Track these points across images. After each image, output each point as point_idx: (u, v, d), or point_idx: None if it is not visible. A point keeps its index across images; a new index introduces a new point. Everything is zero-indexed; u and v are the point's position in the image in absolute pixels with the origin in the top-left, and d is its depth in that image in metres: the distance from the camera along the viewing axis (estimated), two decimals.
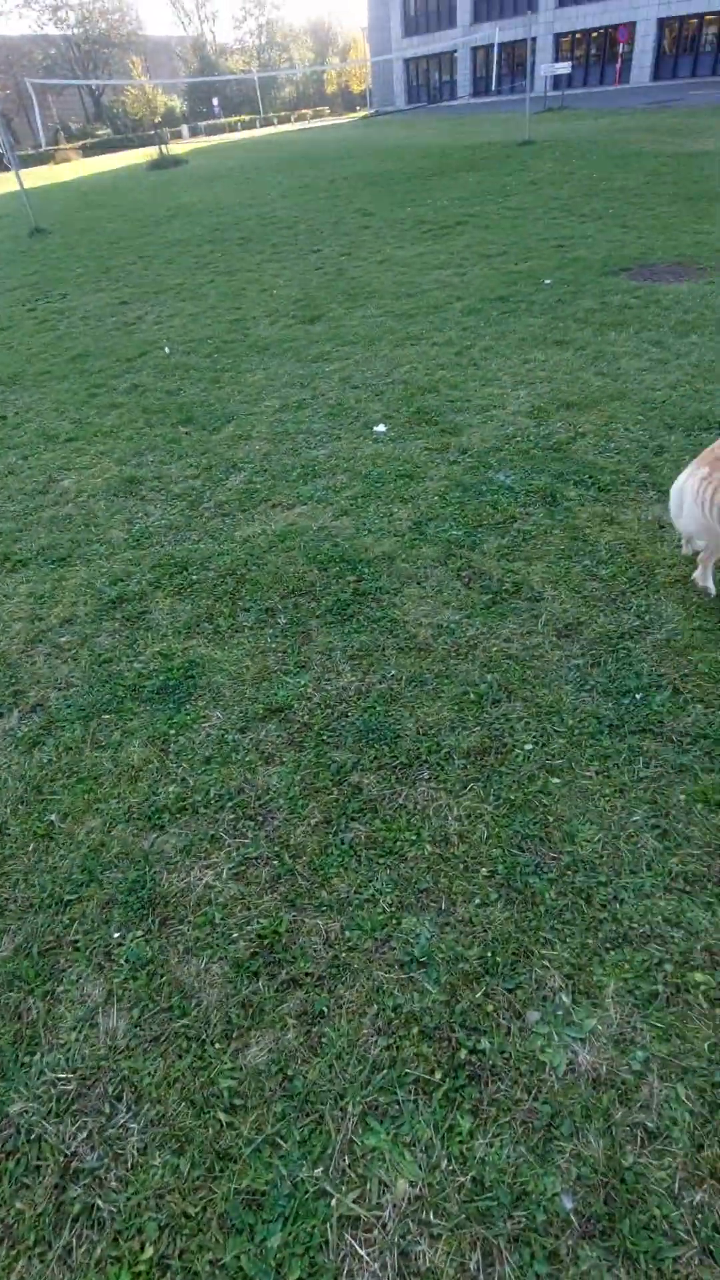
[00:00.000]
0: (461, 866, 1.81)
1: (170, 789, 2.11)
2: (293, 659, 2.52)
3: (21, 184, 14.37)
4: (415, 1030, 1.51)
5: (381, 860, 1.85)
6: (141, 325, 6.79)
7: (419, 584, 2.81)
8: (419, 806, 1.97)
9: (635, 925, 1.64)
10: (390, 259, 7.80)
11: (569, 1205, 1.27)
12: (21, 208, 15.08)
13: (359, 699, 2.33)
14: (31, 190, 14.94)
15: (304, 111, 64.41)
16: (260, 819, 2.00)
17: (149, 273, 8.93)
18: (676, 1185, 1.27)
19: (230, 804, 2.05)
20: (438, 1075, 1.44)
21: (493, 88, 38.61)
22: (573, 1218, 1.26)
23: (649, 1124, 1.35)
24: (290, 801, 2.03)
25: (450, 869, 1.81)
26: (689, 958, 1.58)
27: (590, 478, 3.32)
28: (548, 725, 2.16)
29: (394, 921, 1.71)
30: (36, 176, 14.28)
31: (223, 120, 57.22)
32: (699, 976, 1.54)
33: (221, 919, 1.76)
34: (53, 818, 2.07)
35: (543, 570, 2.79)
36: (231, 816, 2.01)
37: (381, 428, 4.06)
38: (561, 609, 2.59)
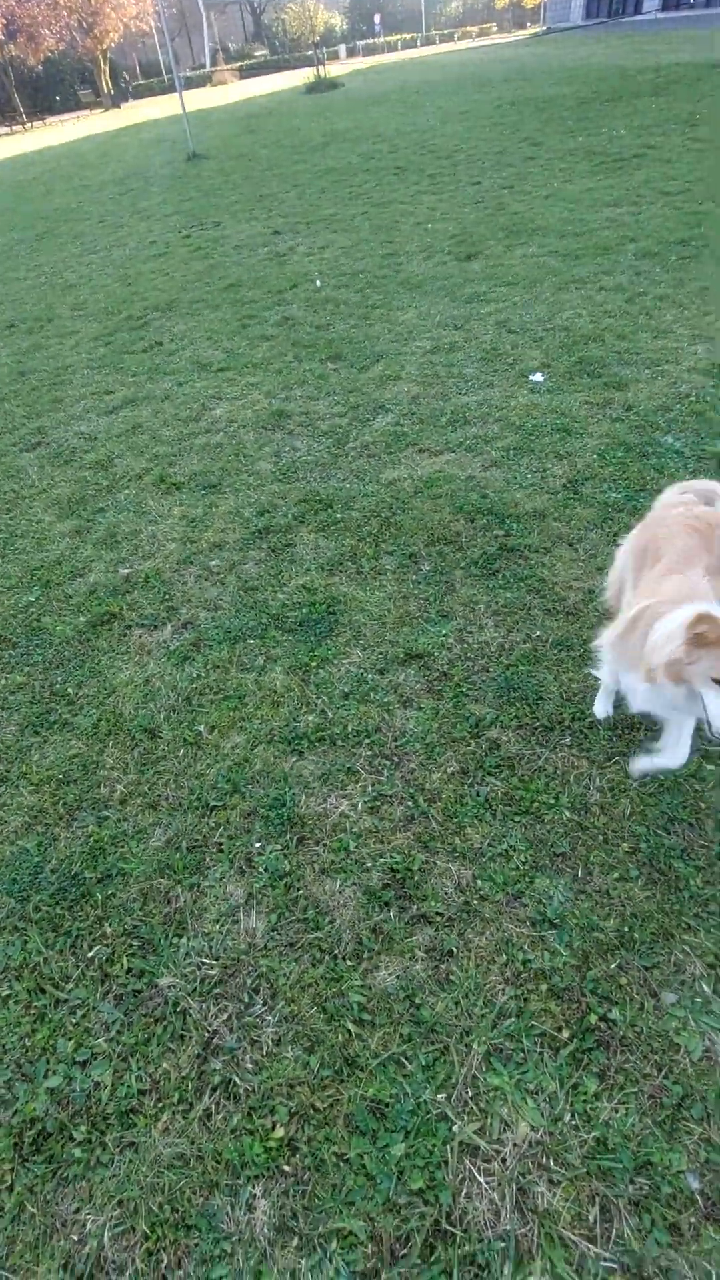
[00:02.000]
0: (601, 838, 1.77)
1: (310, 718, 2.18)
2: (434, 607, 2.51)
3: (184, 107, 14.40)
4: (544, 987, 1.52)
5: (517, 818, 1.84)
6: (293, 256, 6.73)
7: (571, 545, 2.69)
8: (559, 771, 1.93)
9: None
10: (557, 193, 7.25)
11: (695, 1185, 1.26)
12: (181, 132, 15.16)
13: (501, 655, 2.28)
14: (190, 114, 14.96)
15: (469, 29, 60.08)
16: (396, 760, 2.03)
17: (302, 202, 8.79)
18: None
19: (367, 740, 2.09)
20: (565, 1034, 1.45)
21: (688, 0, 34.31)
22: (698, 1197, 1.24)
23: None
24: (427, 747, 2.04)
25: (589, 838, 1.77)
26: None
27: None
28: None
29: (527, 879, 1.71)
30: (195, 99, 14.21)
31: (382, 39, 54.47)
32: None
33: (356, 847, 1.82)
34: (201, 729, 2.20)
35: None
36: (368, 753, 2.06)
37: (539, 376, 3.86)
38: None
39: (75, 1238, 1.29)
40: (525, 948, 1.59)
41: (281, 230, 7.71)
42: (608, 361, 3.89)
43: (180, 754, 2.14)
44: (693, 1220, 1.22)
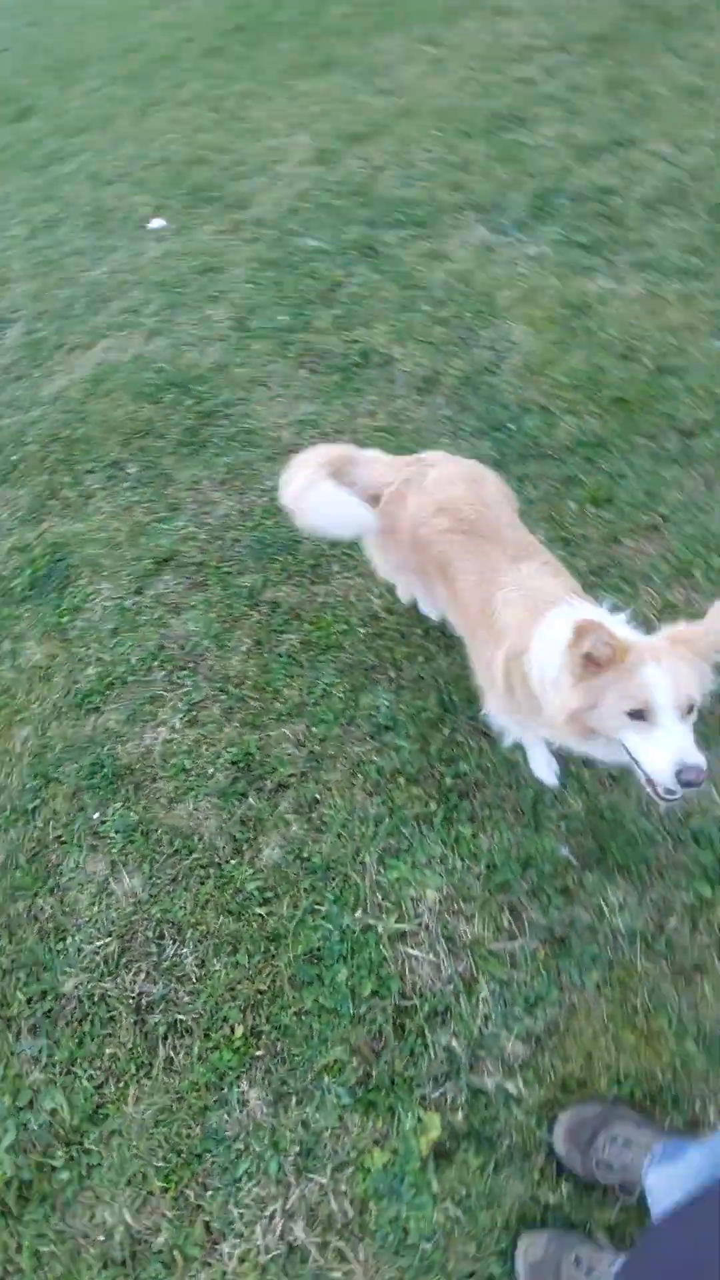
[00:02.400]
0: (399, 635, 1.87)
1: (89, 672, 2.01)
2: (160, 505, 2.34)
3: None
4: (402, 780, 1.64)
5: (322, 658, 1.88)
6: None
7: (263, 385, 2.59)
8: (341, 598, 1.98)
9: None
10: (88, 10, 6.23)
11: (565, 851, 1.50)
12: None
13: (244, 521, 2.22)
14: None
15: None
16: (192, 665, 1.96)
17: None
18: (644, 804, 1.52)
19: (155, 663, 1.98)
20: (432, 805, 1.59)
21: None
22: (572, 859, 1.49)
23: (613, 772, 1.57)
24: (215, 639, 1.99)
25: (389, 642, 1.87)
26: None
27: (403, 215, 3.03)
28: None
29: (353, 704, 1.78)
30: None
31: None
32: None
33: (192, 764, 1.77)
34: None
35: (384, 331, 2.62)
36: (162, 673, 1.96)
37: (158, 222, 3.48)
38: (414, 365, 2.48)
39: (101, 1238, 1.27)
40: (374, 759, 1.69)
41: None
42: (220, 182, 3.60)
43: None
44: (574, 878, 1.47)
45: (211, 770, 1.75)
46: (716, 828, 1.51)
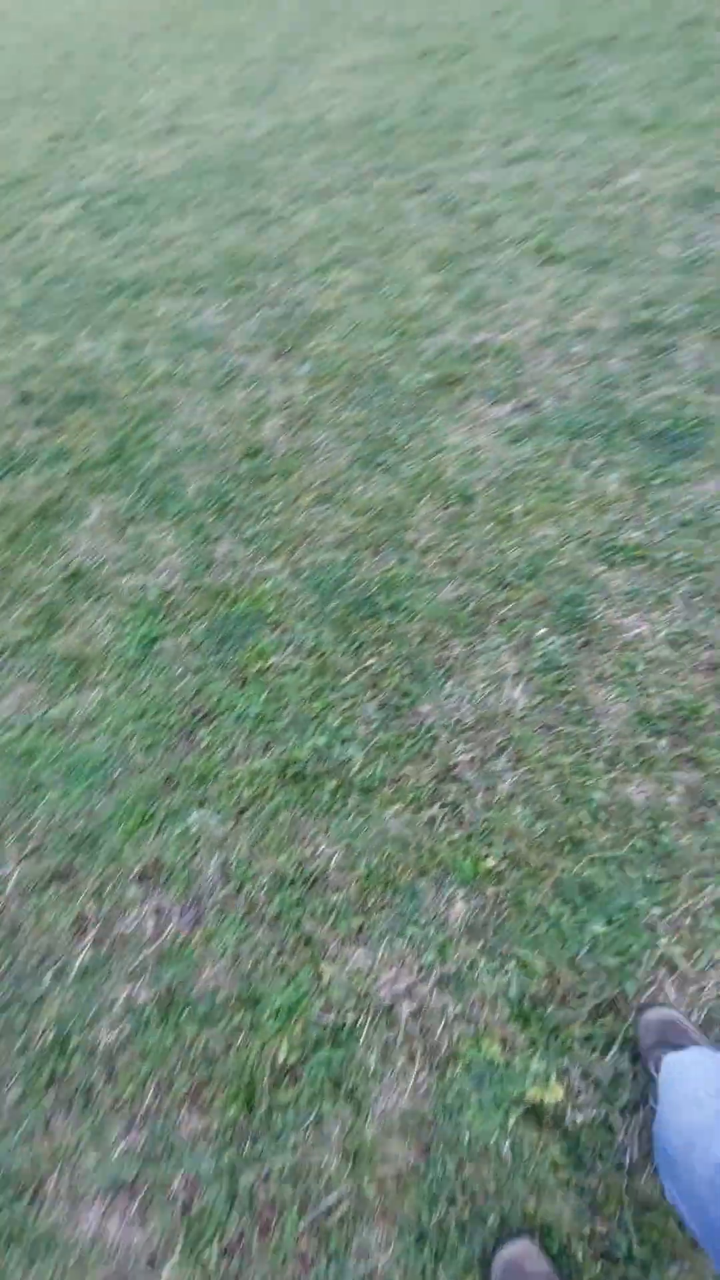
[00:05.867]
0: None
1: (635, 534, 1.99)
2: None
3: None
4: None
5: None
6: None
7: None
8: None
9: None
10: None
11: None
12: None
13: None
14: None
15: None
16: None
17: None
18: None
19: (692, 576, 1.87)
20: None
21: None
22: None
23: None
24: None
25: None
26: None
27: None
28: None
29: None
30: None
31: None
32: None
33: (643, 671, 1.71)
34: (515, 509, 2.14)
35: None
36: (689, 588, 1.85)
37: None
38: None
39: (310, 851, 1.58)
40: None
41: None
42: None
43: (488, 527, 2.13)
44: None
45: (653, 692, 1.67)
46: None
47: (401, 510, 2.24)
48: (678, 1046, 1.13)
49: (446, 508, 2.22)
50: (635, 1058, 1.22)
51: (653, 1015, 1.22)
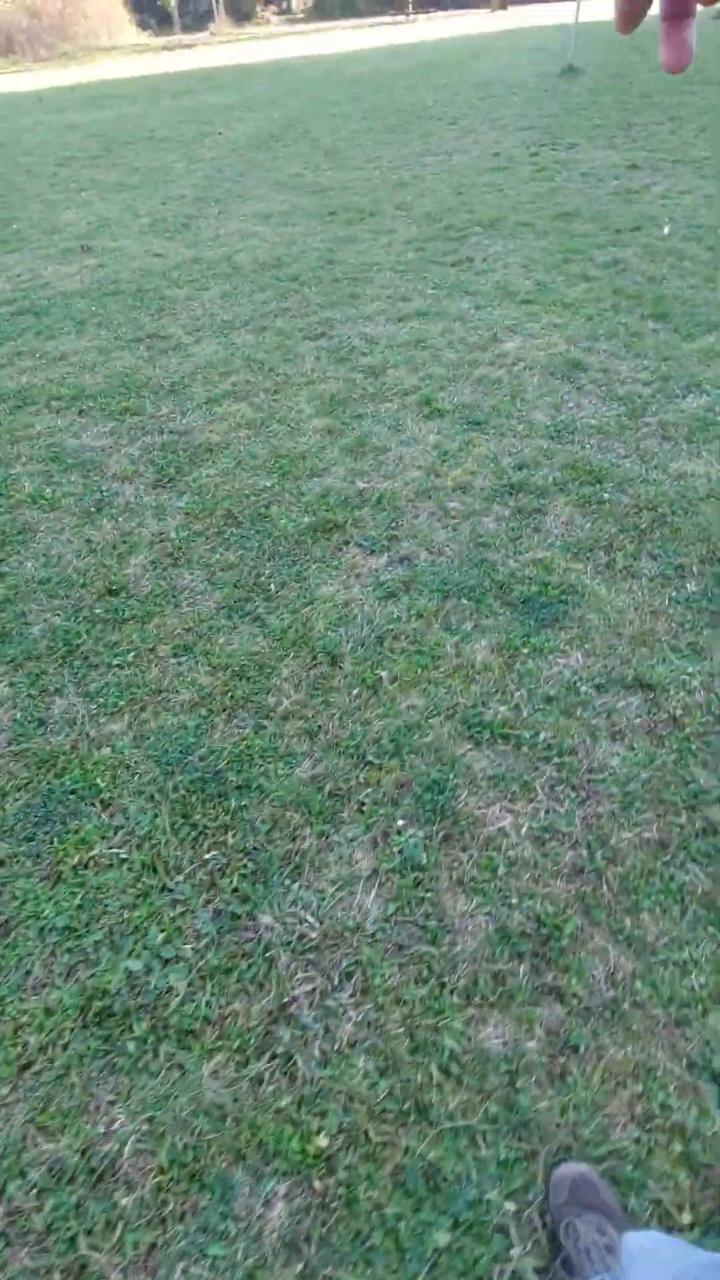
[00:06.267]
0: None
1: (501, 709, 1.91)
2: (687, 637, 2.06)
3: (577, 16, 13.07)
4: (677, 1148, 1.19)
5: (711, 929, 1.46)
6: (645, 196, 5.90)
7: None
8: None
9: None
10: None
11: None
12: (562, 43, 13.91)
13: None
14: (583, 24, 13.53)
15: None
16: (583, 795, 1.71)
17: (675, 138, 7.67)
18: None
19: (556, 759, 1.78)
20: (686, 1217, 1.12)
21: None
22: None
23: None
24: (625, 796, 1.70)
25: None
26: None
27: None
28: None
29: (700, 1010, 1.35)
30: (594, 8, 12.54)
31: None
32: None
33: (505, 874, 1.57)
34: (383, 674, 2.03)
35: None
36: (553, 774, 1.76)
37: None
38: None
39: (102, 1130, 1.26)
40: (670, 1090, 1.26)
41: (640, 165, 6.80)
42: None
43: (354, 692, 1.99)
44: None
45: (515, 902, 1.52)
46: None
47: (264, 668, 2.08)
48: (589, 1206, 1.08)
49: (313, 668, 2.08)
50: None
51: (565, 1171, 1.15)
